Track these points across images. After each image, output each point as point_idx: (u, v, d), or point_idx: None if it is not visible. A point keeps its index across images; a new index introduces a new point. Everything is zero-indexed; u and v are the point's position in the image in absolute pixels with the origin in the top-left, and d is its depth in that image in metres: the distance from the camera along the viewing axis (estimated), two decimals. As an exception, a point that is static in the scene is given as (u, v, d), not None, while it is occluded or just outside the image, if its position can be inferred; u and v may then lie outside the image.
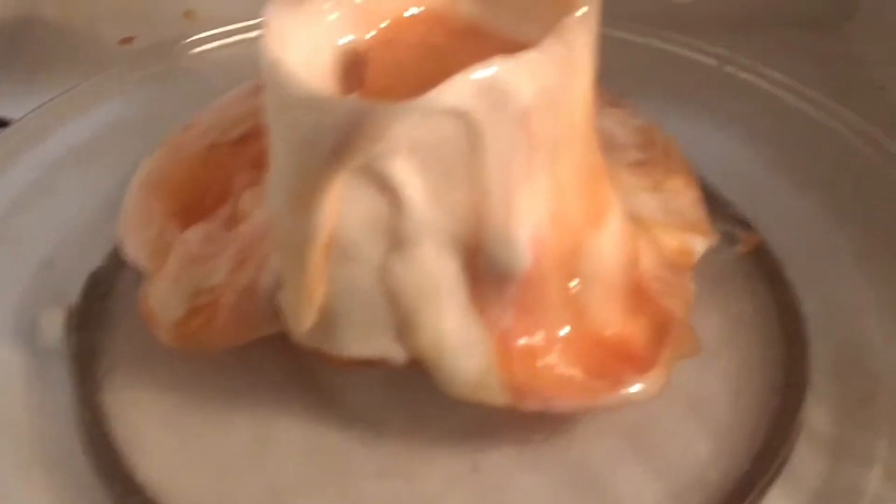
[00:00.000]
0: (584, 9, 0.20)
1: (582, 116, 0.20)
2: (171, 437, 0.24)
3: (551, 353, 0.21)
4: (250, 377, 0.24)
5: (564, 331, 0.21)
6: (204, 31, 0.37)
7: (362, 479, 0.23)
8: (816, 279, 0.27)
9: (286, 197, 0.19)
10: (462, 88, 0.17)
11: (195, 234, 0.24)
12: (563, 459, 0.23)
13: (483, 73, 0.18)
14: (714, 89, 0.34)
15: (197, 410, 0.24)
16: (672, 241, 0.25)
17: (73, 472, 0.23)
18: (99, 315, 0.25)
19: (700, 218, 0.26)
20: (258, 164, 0.26)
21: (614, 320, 0.22)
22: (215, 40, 0.35)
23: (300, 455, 0.23)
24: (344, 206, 0.19)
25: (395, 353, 0.21)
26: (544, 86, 0.19)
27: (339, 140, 0.17)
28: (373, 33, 0.22)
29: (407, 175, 0.18)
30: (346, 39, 0.22)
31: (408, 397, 0.23)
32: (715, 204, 0.28)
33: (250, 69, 0.33)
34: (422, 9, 0.22)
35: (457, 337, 0.21)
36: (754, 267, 0.27)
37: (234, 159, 0.27)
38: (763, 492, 0.22)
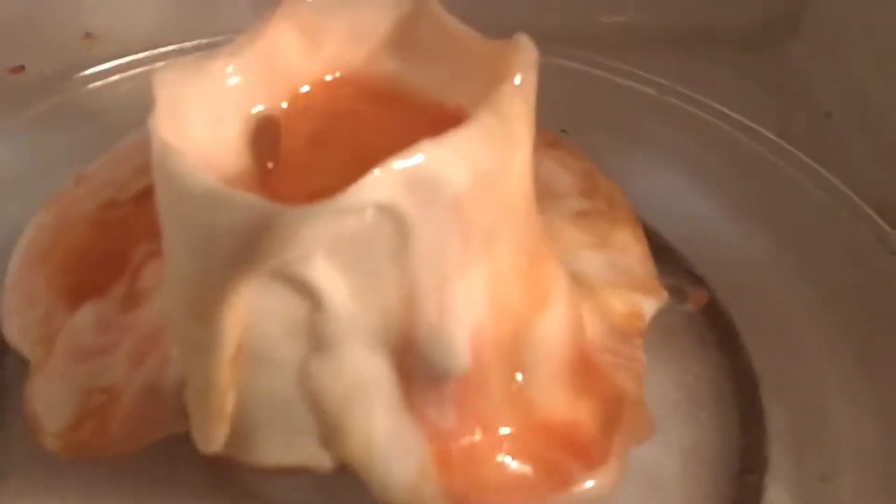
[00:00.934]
0: (519, 76, 0.18)
1: (520, 194, 0.19)
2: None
3: (496, 454, 0.19)
4: (158, 477, 0.22)
5: (509, 428, 0.19)
6: (106, 56, 0.34)
7: None
8: (770, 338, 0.25)
9: (184, 300, 0.17)
10: (384, 182, 0.15)
11: (86, 318, 0.22)
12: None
13: (407, 162, 0.15)
14: (654, 122, 0.32)
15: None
16: (620, 304, 0.24)
17: None
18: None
19: (649, 275, 0.25)
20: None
21: (562, 405, 0.21)
22: (116, 73, 0.32)
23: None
24: (255, 309, 0.17)
25: (321, 460, 0.19)
26: (478, 169, 0.17)
27: (242, 245, 0.15)
28: (285, 103, 0.19)
29: (326, 276, 0.16)
30: (257, 108, 0.19)
31: (340, 498, 0.21)
32: (660, 254, 0.26)
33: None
34: (339, 74, 0.20)
35: (388, 442, 0.19)
36: (705, 327, 0.26)
37: (133, 222, 0.25)
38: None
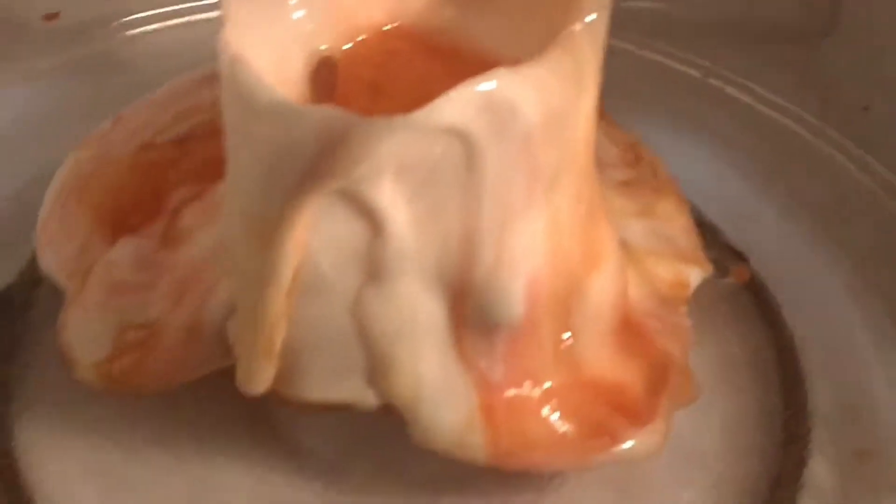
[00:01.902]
0: (593, 16, 0.17)
1: (584, 141, 0.18)
2: (95, 486, 0.21)
3: (542, 410, 0.19)
4: (190, 413, 0.22)
5: (557, 382, 0.19)
6: (140, 8, 0.34)
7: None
8: (811, 313, 0.25)
9: (245, 223, 0.17)
10: (464, 104, 0.15)
11: (123, 253, 0.21)
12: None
13: (487, 86, 0.15)
14: (697, 102, 0.32)
15: (126, 454, 0.21)
16: (665, 272, 0.23)
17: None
18: (10, 343, 0.22)
19: (694, 246, 0.25)
20: (202, 175, 0.23)
21: (609, 365, 0.20)
22: (154, 21, 0.32)
23: (246, 504, 0.21)
24: (314, 233, 0.16)
25: (365, 398, 0.19)
26: (551, 104, 0.17)
27: (315, 159, 0.15)
28: (346, 46, 0.19)
29: (392, 200, 0.16)
30: (318, 47, 0.19)
31: (373, 444, 0.21)
32: (702, 229, 0.26)
33: (194, 57, 0.30)
34: (397, 23, 0.20)
35: (437, 384, 0.18)
36: (746, 302, 0.25)
37: (171, 165, 0.24)
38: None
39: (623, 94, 0.30)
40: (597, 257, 0.20)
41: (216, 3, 0.32)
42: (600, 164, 0.26)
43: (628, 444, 0.19)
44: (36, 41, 0.33)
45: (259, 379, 0.18)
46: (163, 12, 0.32)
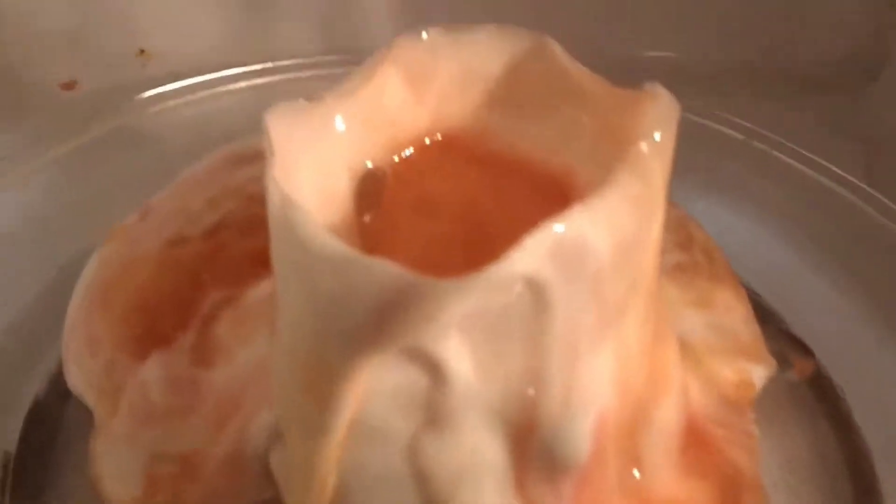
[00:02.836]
0: (658, 133, 0.16)
1: (652, 263, 0.17)
2: None
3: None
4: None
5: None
6: (159, 74, 0.33)
7: None
8: (879, 407, 0.24)
9: (298, 371, 0.15)
10: (536, 251, 0.14)
11: (154, 373, 0.20)
12: None
13: (559, 230, 0.14)
14: (742, 167, 0.31)
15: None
16: (729, 372, 0.22)
17: None
18: (44, 465, 0.21)
19: (756, 339, 0.23)
20: (235, 275, 0.22)
21: (678, 489, 0.19)
22: (176, 97, 0.31)
23: None
24: (371, 383, 0.15)
25: (423, 542, 0.17)
26: (623, 235, 0.15)
27: (378, 317, 0.14)
28: (391, 160, 0.18)
29: (456, 351, 0.15)
30: (360, 162, 0.18)
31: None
32: (759, 317, 0.24)
33: (220, 131, 0.29)
34: (439, 136, 0.19)
35: (498, 529, 0.17)
36: (811, 398, 0.24)
37: (201, 263, 0.23)
38: None
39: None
40: (663, 380, 0.19)
41: (237, 75, 0.32)
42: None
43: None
44: (55, 114, 0.32)
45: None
46: (184, 86, 0.31)
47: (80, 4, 0.35)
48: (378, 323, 0.14)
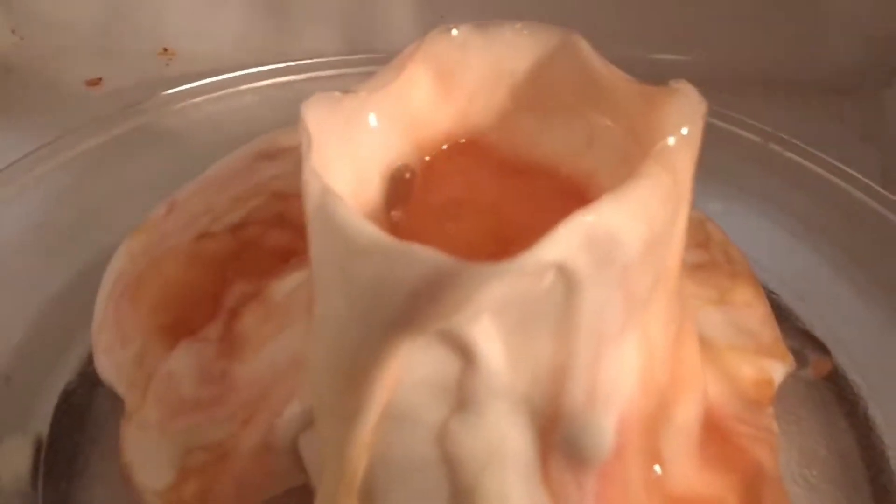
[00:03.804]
0: (686, 128, 0.17)
1: (676, 257, 0.18)
2: None
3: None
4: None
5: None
6: (183, 71, 0.34)
7: None
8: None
9: (334, 357, 0.16)
10: (568, 240, 0.14)
11: (182, 362, 0.21)
12: None
13: (591, 219, 0.14)
14: (758, 170, 0.31)
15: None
16: (748, 369, 0.22)
17: None
18: (74, 452, 0.21)
19: (775, 338, 0.24)
20: (261, 269, 0.23)
21: (700, 484, 0.19)
22: (201, 94, 0.31)
23: None
24: (405, 368, 0.15)
25: (448, 527, 0.18)
26: (652, 229, 0.16)
27: (415, 301, 0.14)
28: (421, 160, 0.19)
29: (488, 335, 0.15)
30: (390, 161, 0.18)
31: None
32: (777, 314, 0.25)
33: (242, 129, 0.30)
34: (471, 137, 0.19)
35: (524, 514, 0.17)
36: (829, 396, 0.24)
37: (229, 258, 0.24)
38: None
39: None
40: (685, 376, 0.19)
41: (259, 73, 0.32)
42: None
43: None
44: (80, 110, 0.32)
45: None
46: (208, 84, 0.31)
47: (105, 4, 0.35)
48: (414, 307, 0.14)
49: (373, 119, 0.19)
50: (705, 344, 0.22)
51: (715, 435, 0.21)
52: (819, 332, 0.25)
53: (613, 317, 0.16)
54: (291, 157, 0.27)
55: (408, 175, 0.19)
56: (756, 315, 0.24)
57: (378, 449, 0.17)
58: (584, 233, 0.14)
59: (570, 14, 0.35)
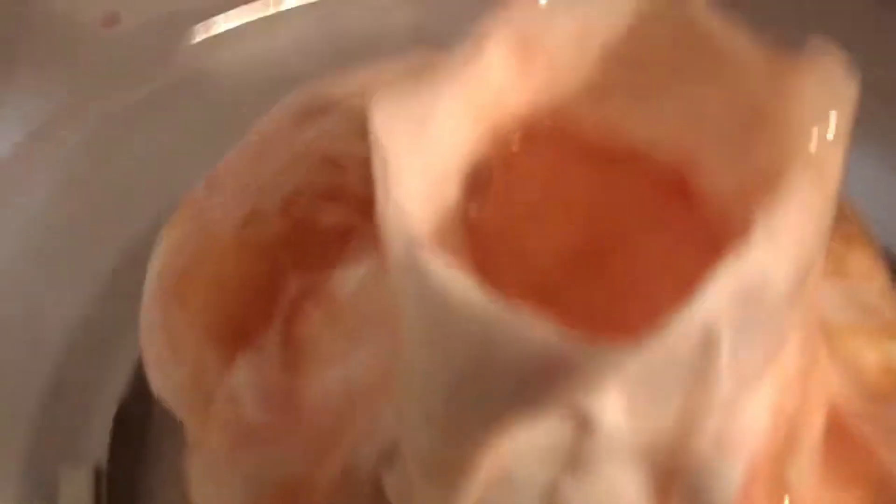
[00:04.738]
0: (832, 124, 0.14)
1: (815, 284, 0.15)
2: None
3: None
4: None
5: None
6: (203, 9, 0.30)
7: None
8: None
9: (428, 427, 0.14)
10: (717, 297, 0.12)
11: (243, 382, 0.19)
12: None
13: (746, 267, 0.12)
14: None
15: None
16: (871, 354, 0.20)
17: None
18: (135, 479, 0.20)
19: (896, 313, 0.21)
20: (315, 256, 0.21)
21: (829, 499, 0.17)
22: (231, 37, 0.28)
23: None
24: (514, 442, 0.13)
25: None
26: (802, 261, 0.13)
27: (527, 384, 0.12)
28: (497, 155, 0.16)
29: (609, 402, 0.13)
30: (465, 158, 0.16)
31: None
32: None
33: (281, 78, 0.27)
34: (547, 122, 0.16)
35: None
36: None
37: (280, 244, 0.21)
38: None
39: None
40: (813, 397, 0.17)
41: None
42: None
43: None
44: (96, 61, 0.29)
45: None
46: (238, 26, 0.28)
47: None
48: (524, 391, 0.12)
49: (449, 110, 0.16)
50: (823, 328, 0.20)
51: (840, 440, 0.18)
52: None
53: (754, 361, 0.14)
54: (339, 111, 0.24)
55: (488, 169, 0.17)
56: (875, 286, 0.21)
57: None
58: (734, 286, 0.12)
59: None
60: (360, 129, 0.20)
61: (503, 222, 0.17)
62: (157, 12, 0.31)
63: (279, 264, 0.21)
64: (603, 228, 0.17)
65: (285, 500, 0.17)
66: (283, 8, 0.28)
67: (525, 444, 0.14)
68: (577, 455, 0.14)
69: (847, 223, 0.23)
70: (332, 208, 0.22)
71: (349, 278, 0.20)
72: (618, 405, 0.13)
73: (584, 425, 0.13)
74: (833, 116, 0.14)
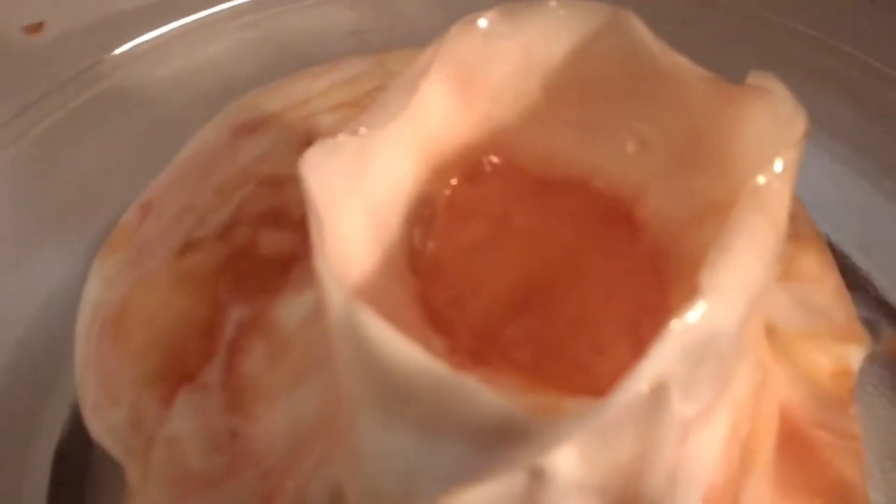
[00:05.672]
0: (780, 158, 0.14)
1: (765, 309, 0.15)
2: None
3: None
4: None
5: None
6: (136, 9, 0.29)
7: None
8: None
9: (377, 493, 0.13)
10: (665, 357, 0.12)
11: (185, 424, 0.18)
12: None
13: (694, 324, 0.12)
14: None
15: None
16: (824, 359, 0.20)
17: None
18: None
19: (849, 315, 0.21)
20: (257, 283, 0.20)
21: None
22: (159, 47, 0.27)
23: None
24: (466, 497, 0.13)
25: None
26: (751, 301, 0.13)
27: (479, 454, 0.12)
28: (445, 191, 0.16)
29: (562, 454, 0.13)
30: (409, 196, 0.15)
31: None
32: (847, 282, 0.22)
33: (216, 86, 0.26)
34: (491, 157, 0.16)
35: None
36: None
37: (220, 272, 0.20)
38: None
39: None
40: (765, 419, 0.17)
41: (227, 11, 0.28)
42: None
43: None
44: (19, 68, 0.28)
45: None
46: (165, 34, 0.27)
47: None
48: (478, 458, 0.12)
49: (388, 149, 0.15)
50: (773, 334, 0.20)
51: (796, 450, 0.19)
52: (893, 297, 0.23)
53: (703, 399, 0.14)
54: (276, 128, 0.24)
55: (431, 203, 0.16)
56: (826, 289, 0.21)
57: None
58: (684, 342, 0.12)
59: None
60: (300, 148, 0.19)
61: (450, 255, 0.16)
62: (83, 21, 0.30)
63: (218, 295, 0.20)
64: (549, 258, 0.16)
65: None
66: (217, 13, 0.27)
67: (479, 493, 0.13)
68: (531, 498, 0.14)
69: (795, 223, 0.23)
70: (271, 233, 0.21)
71: (293, 306, 0.19)
72: (571, 455, 0.13)
73: (537, 475, 0.13)
74: (780, 160, 0.14)
